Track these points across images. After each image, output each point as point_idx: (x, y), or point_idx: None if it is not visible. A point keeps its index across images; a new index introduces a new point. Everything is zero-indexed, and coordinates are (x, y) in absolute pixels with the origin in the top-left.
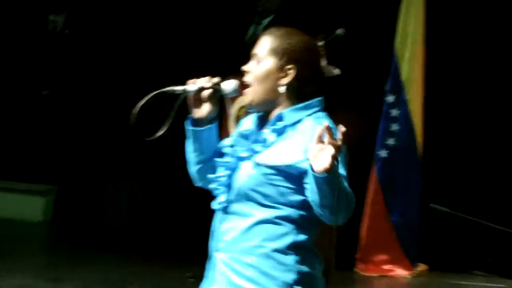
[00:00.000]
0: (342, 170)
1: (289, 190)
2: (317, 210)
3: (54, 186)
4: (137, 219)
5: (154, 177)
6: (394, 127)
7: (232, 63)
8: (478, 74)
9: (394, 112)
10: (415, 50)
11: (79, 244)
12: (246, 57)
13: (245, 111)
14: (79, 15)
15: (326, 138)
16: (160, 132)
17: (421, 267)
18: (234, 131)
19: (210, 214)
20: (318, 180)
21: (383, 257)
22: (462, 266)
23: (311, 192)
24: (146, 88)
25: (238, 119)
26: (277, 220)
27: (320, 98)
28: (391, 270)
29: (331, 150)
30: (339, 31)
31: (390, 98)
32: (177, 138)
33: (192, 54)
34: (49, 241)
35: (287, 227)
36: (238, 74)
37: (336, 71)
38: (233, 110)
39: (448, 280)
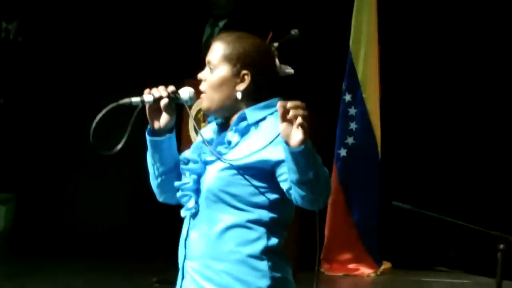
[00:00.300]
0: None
1: (258, 189)
2: (297, 191)
3: (13, 194)
4: (100, 225)
5: (115, 182)
6: (352, 125)
7: (189, 66)
8: (433, 71)
9: (352, 111)
10: (370, 48)
11: (41, 251)
12: (204, 59)
13: (202, 113)
14: (31, 22)
15: (290, 113)
16: (119, 146)
17: (385, 265)
18: (194, 135)
19: (176, 218)
20: (295, 155)
21: (347, 256)
22: (425, 262)
23: (289, 172)
24: (100, 93)
25: (197, 122)
26: (249, 224)
27: (278, 98)
28: (355, 269)
29: (299, 120)
30: (294, 32)
31: (347, 97)
32: (136, 144)
33: (147, 57)
34: (11, 249)
35: (258, 231)
36: (197, 77)
37: (290, 70)
38: (191, 114)
39: (412, 277)
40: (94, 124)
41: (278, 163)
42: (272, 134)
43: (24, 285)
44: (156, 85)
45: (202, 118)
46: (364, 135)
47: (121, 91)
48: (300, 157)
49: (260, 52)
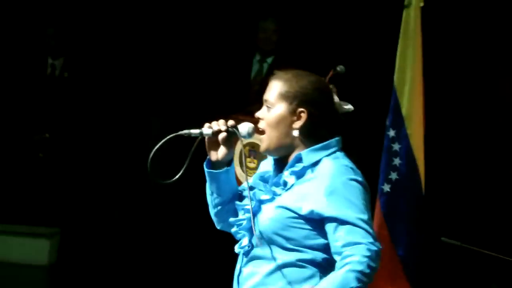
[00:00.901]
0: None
1: (312, 233)
2: None
3: (58, 229)
4: (144, 262)
5: (164, 219)
6: (396, 161)
7: (239, 101)
8: (477, 108)
9: (396, 147)
10: (414, 84)
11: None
12: (253, 94)
13: (248, 149)
14: (77, 58)
15: None
16: (178, 176)
17: None
18: (238, 169)
19: (229, 257)
20: None
21: None
22: None
23: None
24: (147, 129)
25: (241, 157)
26: (301, 263)
27: (337, 138)
28: None
29: None
30: (339, 68)
31: (391, 133)
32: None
33: (197, 93)
34: (54, 284)
35: (311, 270)
36: (247, 112)
37: (349, 107)
38: (243, 150)
39: None
40: (152, 153)
41: (327, 219)
42: (325, 182)
43: None
44: (209, 121)
45: (248, 153)
46: (408, 171)
47: (170, 127)
48: None
49: (316, 90)
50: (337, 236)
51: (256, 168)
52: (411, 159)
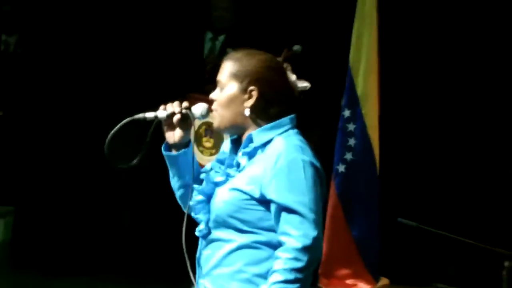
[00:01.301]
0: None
1: (266, 214)
2: None
3: (12, 207)
4: (101, 239)
5: (117, 194)
6: (351, 141)
7: (193, 80)
8: (432, 87)
9: (351, 127)
10: (369, 64)
11: (40, 265)
12: (207, 73)
13: (204, 128)
14: (31, 34)
15: None
16: (136, 160)
17: (383, 281)
18: (196, 149)
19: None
20: None
21: (345, 271)
22: (424, 279)
23: None
24: (100, 106)
25: (198, 137)
26: (257, 245)
27: (290, 116)
28: (353, 285)
29: None
30: (296, 48)
31: (346, 113)
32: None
33: (151, 74)
34: (9, 262)
35: (267, 251)
36: (204, 91)
37: (305, 84)
38: (194, 128)
39: None
40: (109, 138)
41: (270, 201)
42: (271, 163)
43: None
44: (164, 101)
45: (204, 132)
46: (363, 151)
47: (124, 106)
48: None
49: (267, 68)
50: (276, 221)
51: (212, 148)
52: (366, 139)
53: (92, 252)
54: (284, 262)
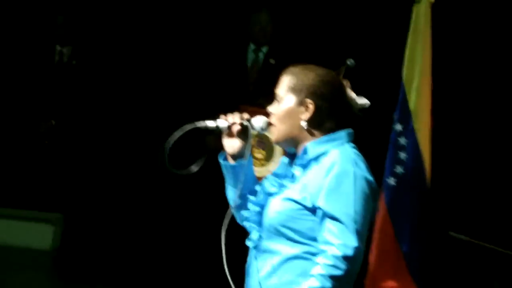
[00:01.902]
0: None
1: (317, 224)
2: None
3: (61, 215)
4: (146, 252)
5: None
6: (402, 155)
7: (239, 91)
8: (485, 103)
9: (402, 141)
10: (422, 79)
11: (87, 274)
12: (251, 85)
13: (256, 140)
14: (85, 46)
15: None
16: (196, 166)
17: None
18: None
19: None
20: None
21: (392, 284)
22: None
23: None
24: (149, 118)
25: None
26: (308, 256)
27: (347, 130)
28: None
29: None
30: (350, 62)
31: (398, 127)
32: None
33: (198, 87)
34: (57, 270)
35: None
36: (258, 104)
37: (365, 101)
38: (250, 142)
39: None
40: (170, 144)
41: (317, 208)
42: (323, 173)
43: None
44: (212, 112)
45: (256, 144)
46: (414, 165)
47: (172, 118)
48: None
49: (324, 82)
50: (321, 228)
51: (264, 159)
52: (417, 154)
53: (138, 261)
54: (322, 268)
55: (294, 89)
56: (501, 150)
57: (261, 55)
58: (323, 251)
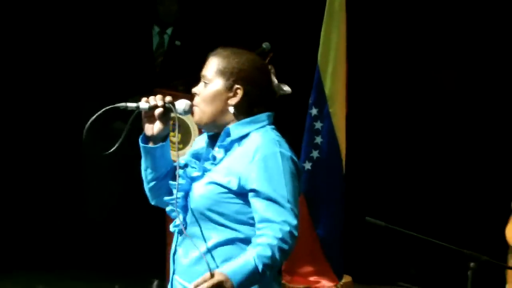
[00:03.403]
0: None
1: (244, 207)
2: None
3: None
4: (63, 232)
5: (101, 185)
6: (318, 139)
7: (145, 74)
8: (399, 87)
9: (318, 125)
10: (338, 63)
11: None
12: (157, 67)
13: (172, 123)
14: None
15: None
16: (114, 148)
17: (346, 278)
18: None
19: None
20: None
21: (309, 268)
22: (387, 278)
23: None
24: (57, 107)
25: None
26: (236, 242)
27: (267, 113)
28: (317, 282)
29: None
30: (265, 45)
31: (314, 111)
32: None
33: (104, 72)
34: None
35: (245, 249)
36: (171, 86)
37: (287, 89)
38: (177, 126)
39: None
40: (88, 124)
41: (249, 191)
42: (250, 155)
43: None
44: (123, 97)
45: (171, 127)
46: (330, 149)
47: (92, 97)
48: None
49: (254, 68)
50: (255, 209)
51: (179, 143)
52: (332, 138)
53: (64, 245)
54: (271, 238)
55: (223, 73)
56: (416, 133)
57: (166, 37)
58: (263, 229)
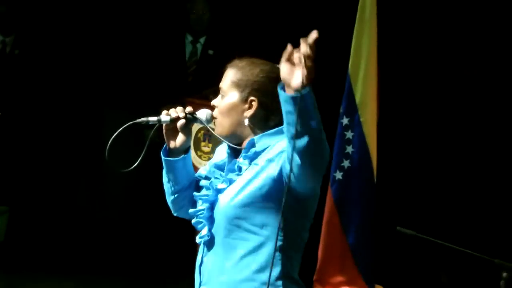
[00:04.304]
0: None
1: (268, 217)
2: (299, 145)
3: (6, 207)
4: (94, 240)
5: (112, 197)
6: (349, 149)
7: (177, 83)
8: (432, 95)
9: (349, 134)
10: (368, 71)
11: (33, 265)
12: (190, 76)
13: (203, 133)
14: (28, 36)
15: (295, 55)
16: (136, 164)
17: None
18: (193, 153)
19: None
20: (293, 100)
21: (340, 278)
22: (417, 287)
23: (289, 125)
24: (94, 107)
25: (197, 141)
26: (264, 250)
27: None
28: None
29: (306, 61)
30: None
31: (345, 120)
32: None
33: (136, 81)
34: (3, 262)
35: (276, 257)
36: (202, 96)
37: None
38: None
39: None
40: (110, 141)
41: (279, 173)
42: (277, 150)
43: None
44: (154, 106)
45: (202, 137)
46: (361, 158)
47: (119, 109)
48: (304, 101)
49: (269, 78)
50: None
51: (210, 152)
52: (363, 147)
53: (85, 251)
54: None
55: (238, 85)
56: (447, 143)
57: (198, 46)
58: None
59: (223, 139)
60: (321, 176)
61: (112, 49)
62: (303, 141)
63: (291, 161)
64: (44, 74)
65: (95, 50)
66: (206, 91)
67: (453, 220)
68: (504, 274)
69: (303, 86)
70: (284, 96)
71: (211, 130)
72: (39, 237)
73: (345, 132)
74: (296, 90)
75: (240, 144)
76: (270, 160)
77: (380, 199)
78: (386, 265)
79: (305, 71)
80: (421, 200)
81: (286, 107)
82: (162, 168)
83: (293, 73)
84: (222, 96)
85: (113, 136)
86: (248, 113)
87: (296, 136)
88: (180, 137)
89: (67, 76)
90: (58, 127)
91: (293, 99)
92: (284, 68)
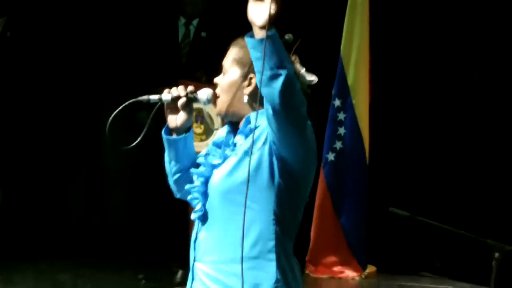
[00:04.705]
0: None
1: (264, 184)
2: (272, 86)
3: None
4: (91, 222)
5: (108, 180)
6: (341, 130)
7: (171, 65)
8: (424, 77)
9: (341, 116)
10: (361, 53)
11: (25, 248)
12: (183, 58)
13: (195, 114)
14: (20, 17)
15: None
16: (137, 141)
17: (370, 268)
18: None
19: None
20: (260, 43)
21: (332, 259)
22: (411, 268)
23: (257, 72)
24: (88, 92)
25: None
26: (258, 224)
27: None
28: (340, 272)
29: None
30: (288, 37)
31: (337, 102)
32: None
33: (131, 63)
34: None
35: (269, 231)
36: (194, 78)
37: (313, 78)
38: (207, 114)
39: (396, 282)
40: (110, 119)
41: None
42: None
43: (10, 277)
44: (149, 88)
45: (195, 118)
46: (352, 140)
47: (113, 92)
48: (272, 42)
49: None
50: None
51: (202, 134)
52: (356, 129)
53: (77, 234)
54: None
55: (239, 62)
56: (439, 125)
57: (191, 28)
58: None
59: (221, 116)
60: (303, 136)
61: (104, 31)
62: (275, 84)
63: (259, 98)
64: (36, 57)
65: (87, 32)
66: (198, 73)
67: (446, 201)
68: (496, 255)
69: (271, 20)
70: (250, 42)
71: (205, 111)
72: (33, 228)
73: (337, 114)
74: (262, 28)
75: (240, 120)
76: (261, 135)
77: (373, 180)
78: (379, 246)
79: (271, 4)
80: (414, 181)
81: (255, 54)
82: (157, 161)
83: (259, 10)
84: (224, 74)
85: (114, 113)
86: (248, 90)
87: (266, 81)
88: (181, 116)
89: (60, 59)
90: (51, 110)
91: (261, 41)
92: (251, 7)
